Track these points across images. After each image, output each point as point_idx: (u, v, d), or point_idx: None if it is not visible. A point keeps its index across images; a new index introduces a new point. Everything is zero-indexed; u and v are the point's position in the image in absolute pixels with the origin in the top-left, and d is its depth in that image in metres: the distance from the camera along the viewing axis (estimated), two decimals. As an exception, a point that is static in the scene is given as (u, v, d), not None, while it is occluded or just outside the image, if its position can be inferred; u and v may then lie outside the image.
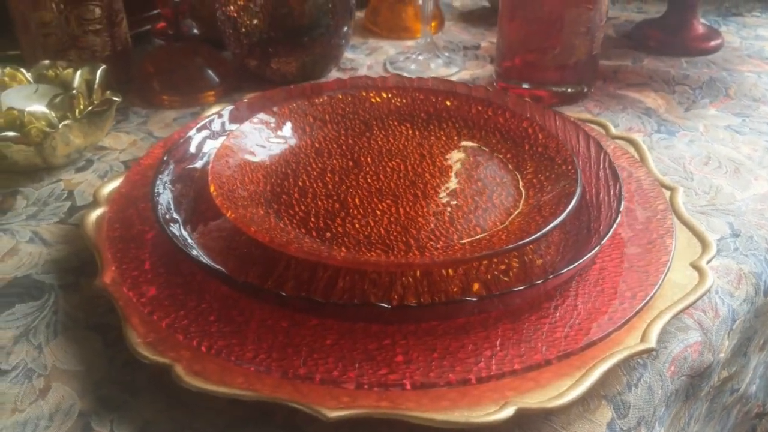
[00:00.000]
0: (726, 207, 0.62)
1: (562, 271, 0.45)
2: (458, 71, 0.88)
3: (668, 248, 0.51)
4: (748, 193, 0.64)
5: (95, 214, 0.55)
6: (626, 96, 0.82)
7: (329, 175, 0.60)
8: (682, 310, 0.47)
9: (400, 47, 0.96)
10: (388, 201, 0.56)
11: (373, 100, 0.69)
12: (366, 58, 0.92)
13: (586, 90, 0.81)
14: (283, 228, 0.52)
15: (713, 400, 0.57)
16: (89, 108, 0.66)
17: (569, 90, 0.80)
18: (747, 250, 0.57)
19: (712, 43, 0.94)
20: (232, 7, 0.79)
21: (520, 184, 0.59)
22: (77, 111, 0.66)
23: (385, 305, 0.42)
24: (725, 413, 0.61)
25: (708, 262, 0.51)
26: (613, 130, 0.68)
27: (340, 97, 0.68)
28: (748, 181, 0.66)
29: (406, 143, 0.64)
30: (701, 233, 0.54)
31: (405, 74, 0.85)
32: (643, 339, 0.45)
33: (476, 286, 0.48)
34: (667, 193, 0.59)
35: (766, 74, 0.87)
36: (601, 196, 0.56)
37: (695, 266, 0.51)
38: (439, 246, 0.51)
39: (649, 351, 0.44)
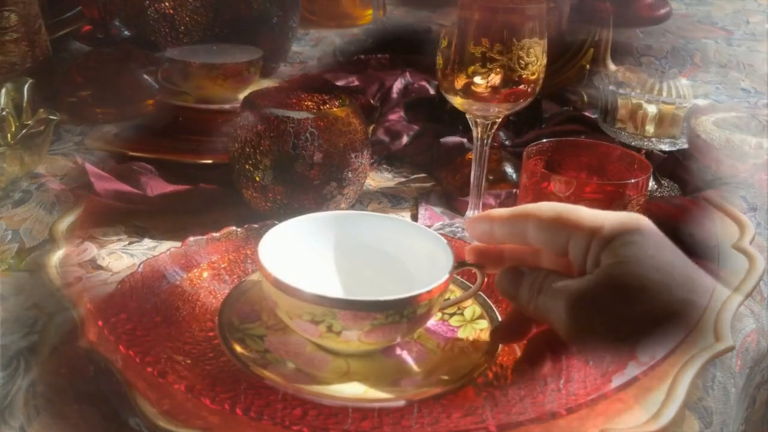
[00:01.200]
0: (733, 180, 0.59)
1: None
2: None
3: (710, 232, 0.48)
4: (749, 164, 0.62)
5: (57, 256, 0.47)
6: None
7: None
8: (745, 299, 0.43)
9: (346, 35, 0.89)
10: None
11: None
12: (313, 50, 0.85)
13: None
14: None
15: (747, 384, 0.55)
16: (23, 131, 0.56)
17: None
18: (770, 224, 0.55)
19: (662, 12, 0.93)
20: (167, 3, 0.71)
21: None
22: (9, 135, 0.56)
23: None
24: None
25: (750, 242, 0.48)
26: (604, 109, 0.65)
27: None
28: (743, 151, 0.64)
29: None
30: (732, 212, 0.51)
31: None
32: (716, 336, 0.41)
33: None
34: (681, 172, 0.56)
35: (722, 39, 0.86)
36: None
37: (739, 248, 0.47)
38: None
39: (729, 349, 0.40)
